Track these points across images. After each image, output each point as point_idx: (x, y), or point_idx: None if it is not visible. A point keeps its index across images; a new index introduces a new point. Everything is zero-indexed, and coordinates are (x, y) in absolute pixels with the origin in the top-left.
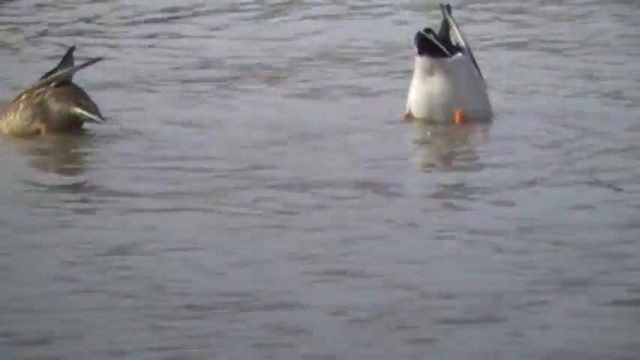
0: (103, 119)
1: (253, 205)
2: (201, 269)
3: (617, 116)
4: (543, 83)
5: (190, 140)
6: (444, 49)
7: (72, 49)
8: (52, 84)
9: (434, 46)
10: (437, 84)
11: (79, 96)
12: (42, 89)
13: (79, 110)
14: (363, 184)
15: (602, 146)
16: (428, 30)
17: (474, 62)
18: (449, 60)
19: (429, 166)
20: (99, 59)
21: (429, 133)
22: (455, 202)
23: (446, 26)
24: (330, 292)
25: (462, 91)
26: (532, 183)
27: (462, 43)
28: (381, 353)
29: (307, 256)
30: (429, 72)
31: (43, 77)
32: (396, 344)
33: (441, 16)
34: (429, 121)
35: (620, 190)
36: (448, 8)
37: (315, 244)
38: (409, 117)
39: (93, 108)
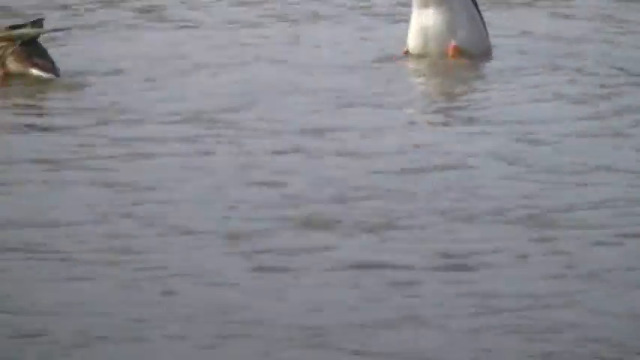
0: (59, 75)
1: None
2: None
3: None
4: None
5: None
6: None
7: (42, 19)
8: (17, 42)
9: None
10: (432, 17)
11: (37, 55)
12: (4, 43)
13: (35, 71)
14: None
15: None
16: None
17: (474, 1)
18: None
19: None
20: (69, 28)
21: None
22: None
23: None
24: None
25: (458, 24)
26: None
27: None
28: None
29: None
30: (425, 4)
31: (7, 28)
32: None
33: None
34: (424, 56)
35: None
36: None
37: None
38: (407, 53)
39: (49, 65)
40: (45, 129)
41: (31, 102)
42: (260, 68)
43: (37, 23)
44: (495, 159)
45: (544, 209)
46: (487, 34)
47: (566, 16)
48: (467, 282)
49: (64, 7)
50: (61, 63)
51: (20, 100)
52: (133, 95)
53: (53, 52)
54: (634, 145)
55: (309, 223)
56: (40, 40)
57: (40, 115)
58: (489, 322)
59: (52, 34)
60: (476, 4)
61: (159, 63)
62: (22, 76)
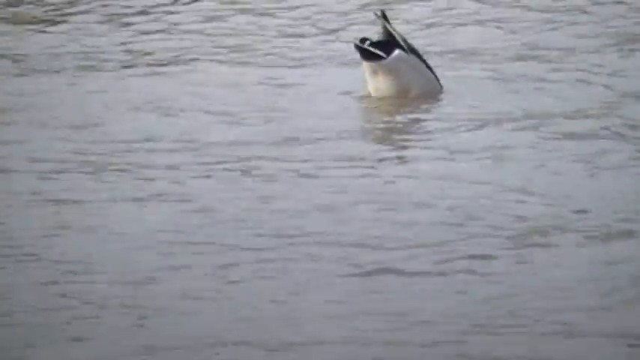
0: None
1: None
2: None
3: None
4: None
5: None
6: (381, 53)
7: None
8: None
9: (371, 52)
10: (382, 82)
11: None
12: None
13: None
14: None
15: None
16: (363, 40)
17: (414, 50)
18: (387, 61)
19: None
20: None
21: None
22: None
23: (386, 30)
24: None
25: (406, 82)
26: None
27: (399, 38)
28: None
29: None
30: (375, 72)
31: None
32: None
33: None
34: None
35: None
36: (383, 14)
37: None
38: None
39: None
40: None
41: None
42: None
43: None
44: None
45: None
46: (437, 78)
47: None
48: None
49: None
50: None
51: None
52: None
53: None
54: None
55: None
56: None
57: None
58: None
59: None
60: (417, 52)
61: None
62: None
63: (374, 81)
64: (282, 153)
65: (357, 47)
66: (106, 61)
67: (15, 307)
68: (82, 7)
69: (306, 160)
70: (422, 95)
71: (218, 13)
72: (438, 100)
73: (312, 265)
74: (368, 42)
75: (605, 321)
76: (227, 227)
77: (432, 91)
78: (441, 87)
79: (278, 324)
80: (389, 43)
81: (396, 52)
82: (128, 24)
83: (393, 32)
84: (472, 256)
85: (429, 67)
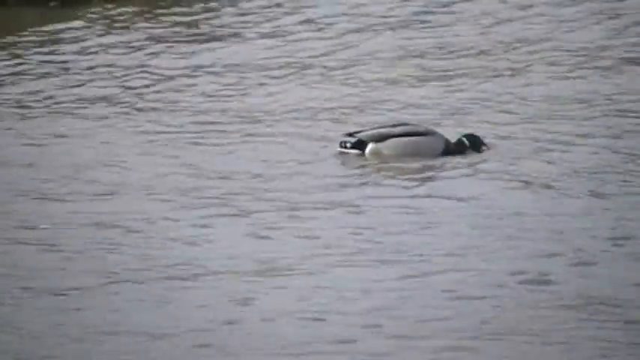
0: None
1: None
2: None
3: None
4: None
5: None
6: (357, 151)
7: None
8: None
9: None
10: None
11: None
12: None
13: None
14: None
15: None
16: (345, 141)
17: (389, 135)
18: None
19: None
20: None
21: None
22: None
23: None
24: None
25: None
26: None
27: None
28: None
29: None
30: (377, 154)
31: None
32: None
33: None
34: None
35: None
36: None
37: None
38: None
39: None
40: None
41: None
42: None
43: None
44: None
45: None
46: (431, 140)
47: None
48: None
49: None
50: None
51: None
52: None
53: None
54: None
55: None
56: None
57: None
58: None
59: None
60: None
61: None
62: None
63: (371, 155)
64: None
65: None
66: None
67: None
68: None
69: None
70: (421, 155)
71: None
72: None
73: None
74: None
75: None
76: None
77: (428, 150)
78: (444, 142)
79: None
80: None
81: (370, 145)
82: None
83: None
84: None
85: (418, 133)
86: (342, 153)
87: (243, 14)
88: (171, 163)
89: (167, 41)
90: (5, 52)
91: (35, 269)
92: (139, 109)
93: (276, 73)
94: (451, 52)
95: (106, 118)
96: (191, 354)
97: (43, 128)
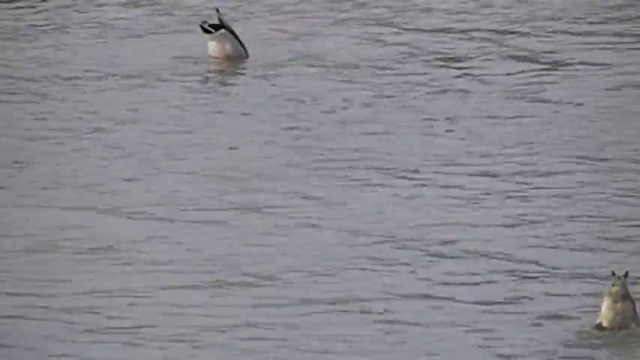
0: None
1: None
2: None
3: None
4: None
5: None
6: (212, 30)
7: None
8: None
9: (206, 29)
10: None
11: None
12: None
13: None
14: None
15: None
16: (204, 22)
17: (234, 33)
18: (216, 34)
19: None
20: None
21: None
22: None
23: (220, 19)
24: None
25: (226, 47)
26: None
27: (227, 25)
28: None
29: None
30: (212, 39)
31: None
32: None
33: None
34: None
35: None
36: (217, 10)
37: None
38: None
39: None
40: None
41: None
42: None
43: None
44: None
45: None
46: (245, 49)
47: None
48: None
49: None
50: None
51: None
52: None
53: None
54: None
55: None
56: None
57: None
58: None
59: None
60: (236, 35)
61: None
62: None
63: (210, 46)
64: None
65: (201, 27)
66: None
67: None
68: None
69: None
70: (236, 55)
71: None
72: None
73: None
74: (207, 23)
75: None
76: None
77: (241, 55)
78: (247, 55)
79: None
80: (219, 26)
81: (222, 30)
82: None
83: (224, 21)
84: None
85: (241, 44)
86: (202, 28)
87: None
88: None
89: None
90: None
91: None
92: None
93: None
94: None
95: None
96: None
97: None
